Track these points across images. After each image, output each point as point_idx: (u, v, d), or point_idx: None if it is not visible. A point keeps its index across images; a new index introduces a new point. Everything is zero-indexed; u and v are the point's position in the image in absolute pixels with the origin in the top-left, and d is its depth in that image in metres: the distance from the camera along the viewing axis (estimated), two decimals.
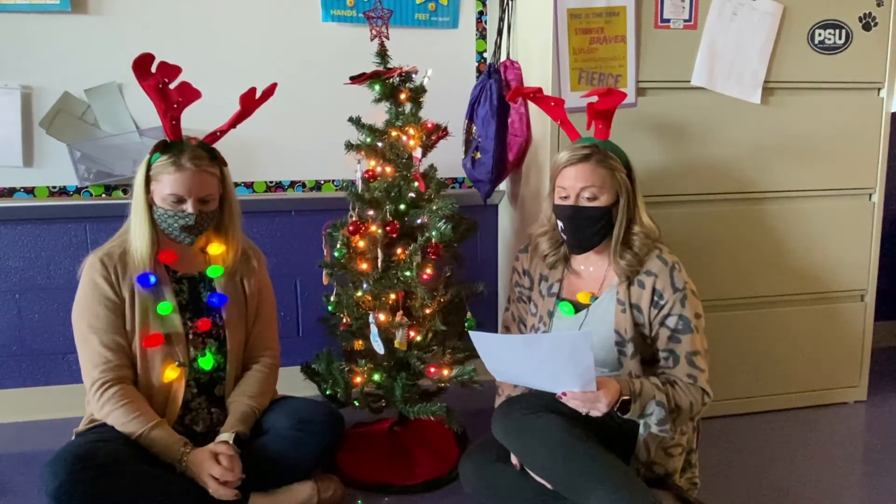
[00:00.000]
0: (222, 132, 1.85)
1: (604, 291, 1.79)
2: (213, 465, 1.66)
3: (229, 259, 1.88)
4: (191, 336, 1.81)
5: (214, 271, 1.86)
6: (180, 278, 1.85)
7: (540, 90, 1.93)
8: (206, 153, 1.78)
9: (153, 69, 1.69)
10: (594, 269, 1.82)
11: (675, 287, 1.71)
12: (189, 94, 1.75)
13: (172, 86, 1.73)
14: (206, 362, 1.80)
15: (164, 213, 1.76)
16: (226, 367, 1.85)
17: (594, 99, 1.78)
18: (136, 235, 1.77)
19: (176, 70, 1.72)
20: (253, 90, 1.84)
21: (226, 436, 1.73)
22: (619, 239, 1.74)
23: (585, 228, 1.74)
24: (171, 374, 1.76)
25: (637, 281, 1.74)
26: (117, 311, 1.75)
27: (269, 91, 1.87)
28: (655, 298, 1.72)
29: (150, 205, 1.77)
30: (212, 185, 1.78)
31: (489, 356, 1.60)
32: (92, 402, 1.72)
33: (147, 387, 1.76)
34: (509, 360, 1.60)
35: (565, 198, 1.75)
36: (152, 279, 1.77)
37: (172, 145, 1.76)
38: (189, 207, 1.74)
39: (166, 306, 1.78)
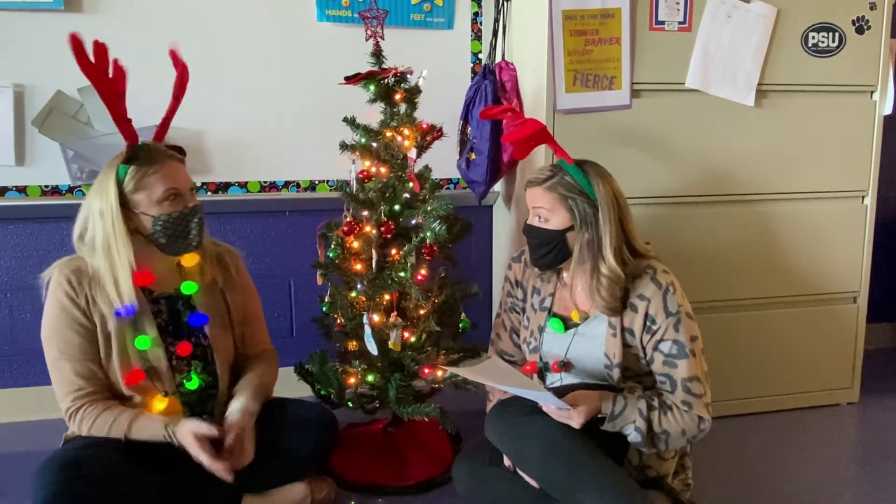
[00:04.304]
0: (169, 119, 1.73)
1: (596, 311, 1.76)
2: (202, 454, 1.57)
3: (207, 270, 1.77)
4: (174, 362, 1.71)
5: (188, 287, 1.72)
6: (157, 298, 1.72)
7: (513, 109, 1.91)
8: (167, 147, 1.70)
9: (91, 55, 1.54)
10: (584, 288, 1.78)
11: (669, 311, 1.67)
12: (119, 73, 1.59)
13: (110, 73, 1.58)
14: (192, 384, 1.71)
15: (169, 219, 1.64)
16: (217, 385, 1.76)
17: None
18: (116, 271, 1.61)
19: (103, 49, 1.56)
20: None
21: (241, 404, 1.68)
22: (593, 273, 1.69)
23: (537, 248, 1.75)
24: (158, 405, 1.66)
25: (630, 304, 1.71)
26: (90, 338, 1.64)
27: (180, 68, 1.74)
28: (648, 324, 1.69)
29: (134, 226, 1.64)
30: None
31: (473, 375, 1.66)
32: (70, 425, 1.67)
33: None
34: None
35: (529, 215, 1.78)
36: (131, 309, 1.63)
37: (137, 150, 1.65)
38: (189, 200, 1.67)
39: (145, 341, 1.65)
